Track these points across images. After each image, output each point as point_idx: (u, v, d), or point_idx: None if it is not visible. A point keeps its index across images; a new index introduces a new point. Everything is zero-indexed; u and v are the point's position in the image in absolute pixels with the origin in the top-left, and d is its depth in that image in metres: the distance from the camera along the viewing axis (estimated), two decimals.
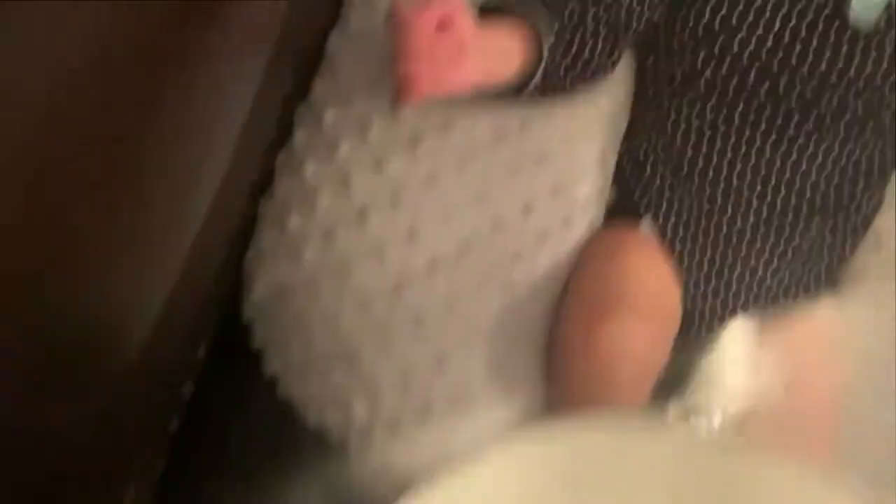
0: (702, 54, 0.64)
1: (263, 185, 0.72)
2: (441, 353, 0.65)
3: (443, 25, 0.53)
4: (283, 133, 0.72)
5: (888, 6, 0.60)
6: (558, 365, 0.63)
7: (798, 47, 0.62)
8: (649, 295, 0.63)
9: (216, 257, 0.69)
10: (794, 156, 0.64)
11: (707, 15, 0.64)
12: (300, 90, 0.72)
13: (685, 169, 0.67)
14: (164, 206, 0.62)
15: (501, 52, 0.61)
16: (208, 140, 0.64)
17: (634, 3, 0.63)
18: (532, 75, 0.62)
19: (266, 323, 0.70)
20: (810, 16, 0.62)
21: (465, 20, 0.54)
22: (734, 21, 0.63)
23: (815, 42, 0.62)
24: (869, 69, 0.61)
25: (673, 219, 0.68)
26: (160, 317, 0.63)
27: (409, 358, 0.65)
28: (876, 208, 0.68)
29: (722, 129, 0.65)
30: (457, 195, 0.66)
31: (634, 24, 0.65)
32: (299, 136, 0.71)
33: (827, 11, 0.61)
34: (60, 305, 0.54)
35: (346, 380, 0.66)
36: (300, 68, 0.71)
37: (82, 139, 0.50)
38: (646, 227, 0.68)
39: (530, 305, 0.67)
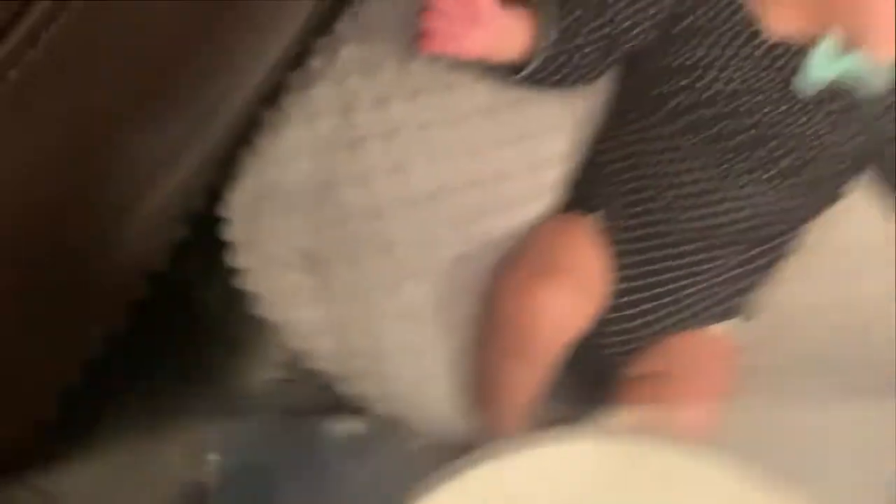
0: (670, 86, 0.72)
1: (274, 97, 0.78)
2: (399, 278, 0.73)
3: None
4: (300, 59, 0.78)
5: (832, 83, 0.69)
6: (488, 321, 0.71)
7: (748, 102, 0.71)
8: (582, 273, 0.71)
9: (221, 149, 0.75)
10: (735, 189, 0.71)
11: (680, 55, 0.72)
12: (324, 26, 0.78)
13: (637, 181, 0.74)
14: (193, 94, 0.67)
15: (508, 34, 0.68)
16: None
17: (630, 27, 0.71)
18: (525, 65, 0.70)
19: (244, 218, 0.76)
20: (763, 77, 0.70)
21: None
22: (703, 67, 0.71)
23: (766, 101, 0.70)
24: (810, 129, 0.70)
25: (618, 221, 0.74)
26: (155, 188, 0.69)
27: (371, 275, 0.73)
28: (795, 248, 0.76)
29: (676, 154, 0.72)
30: (446, 146, 0.74)
31: (626, 45, 0.73)
32: (315, 63, 0.77)
33: (779, 79, 0.70)
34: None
35: (307, 281, 0.73)
36: (328, 8, 0.77)
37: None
38: (593, 220, 0.75)
39: (483, 260, 0.75)
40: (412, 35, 0.66)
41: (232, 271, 0.77)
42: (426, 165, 0.74)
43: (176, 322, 0.79)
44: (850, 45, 0.69)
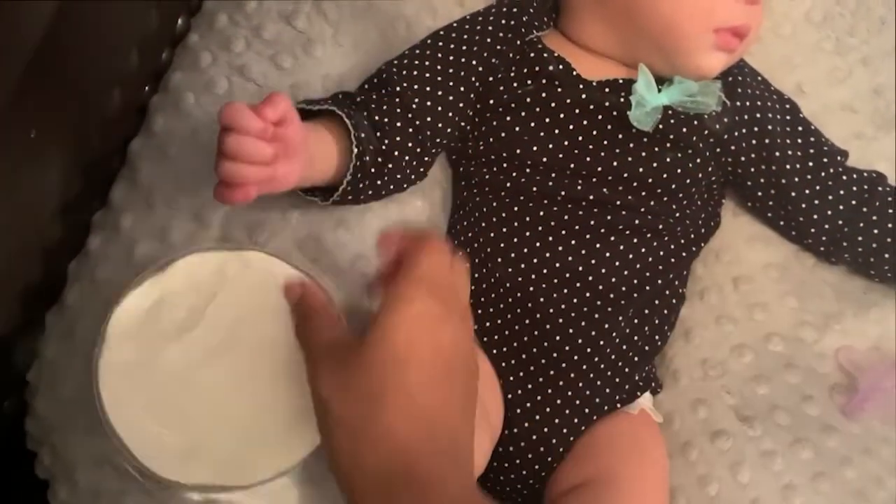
0: (503, 164, 0.65)
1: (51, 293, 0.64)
2: None
3: (274, 124, 0.52)
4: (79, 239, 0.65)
5: (665, 110, 0.64)
6: None
7: (588, 154, 0.65)
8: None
9: None
10: (597, 254, 0.64)
11: (503, 129, 0.65)
12: (98, 198, 0.66)
13: (494, 276, 0.66)
14: None
15: (322, 157, 0.58)
16: None
17: (444, 118, 0.64)
18: (342, 182, 0.59)
19: (51, 444, 0.61)
20: (596, 124, 0.65)
21: (294, 122, 0.53)
22: (526, 136, 0.65)
23: (603, 146, 0.65)
24: (655, 166, 0.65)
25: (486, 323, 0.66)
26: None
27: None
28: (678, 302, 0.68)
29: (526, 234, 0.65)
30: None
31: (443, 138, 0.64)
32: (94, 242, 0.64)
33: (611, 119, 0.65)
34: None
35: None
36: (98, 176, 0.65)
37: None
38: None
39: None
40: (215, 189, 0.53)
41: None
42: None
43: None
44: (666, 73, 0.65)
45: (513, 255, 0.64)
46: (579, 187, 0.63)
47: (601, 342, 0.63)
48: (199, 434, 0.52)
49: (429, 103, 0.63)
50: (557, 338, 0.62)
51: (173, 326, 0.53)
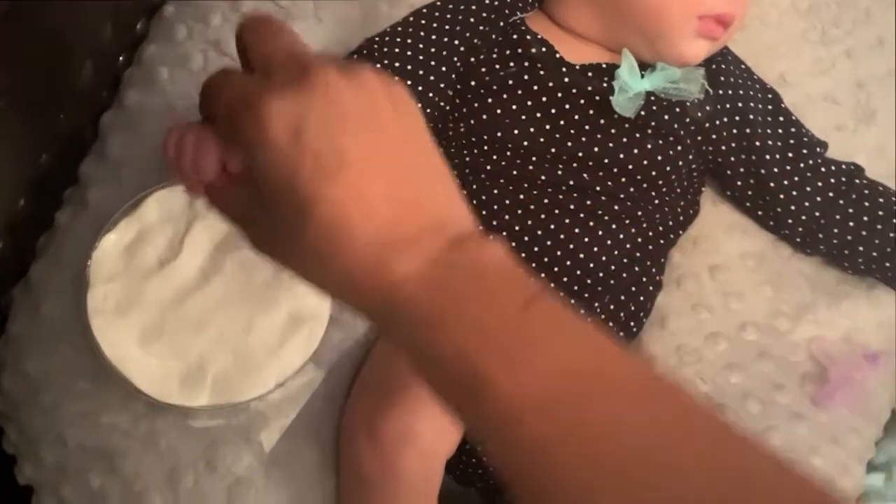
0: (483, 147, 0.64)
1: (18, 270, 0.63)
2: (212, 449, 0.58)
3: None
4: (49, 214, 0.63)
5: (648, 97, 0.64)
6: (344, 457, 0.60)
7: (569, 137, 0.64)
8: None
9: None
10: (575, 239, 0.63)
11: (483, 111, 0.64)
12: (70, 172, 0.64)
13: None
14: None
15: None
16: None
17: (423, 96, 0.63)
18: None
19: (17, 420, 0.60)
20: (578, 108, 0.64)
21: None
22: (507, 118, 0.64)
23: (584, 131, 0.64)
24: (635, 152, 0.64)
25: None
26: None
27: (178, 454, 0.58)
28: (655, 289, 0.68)
29: (505, 217, 0.64)
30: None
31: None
32: (62, 217, 0.62)
33: (593, 104, 0.64)
34: None
35: (106, 481, 0.58)
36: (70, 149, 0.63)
37: None
38: None
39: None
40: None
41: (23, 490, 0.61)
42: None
43: None
44: (650, 59, 0.65)
45: (490, 238, 0.63)
46: (559, 172, 0.63)
47: None
48: (196, 358, 0.54)
49: (408, 81, 0.61)
50: None
51: (155, 259, 0.55)
